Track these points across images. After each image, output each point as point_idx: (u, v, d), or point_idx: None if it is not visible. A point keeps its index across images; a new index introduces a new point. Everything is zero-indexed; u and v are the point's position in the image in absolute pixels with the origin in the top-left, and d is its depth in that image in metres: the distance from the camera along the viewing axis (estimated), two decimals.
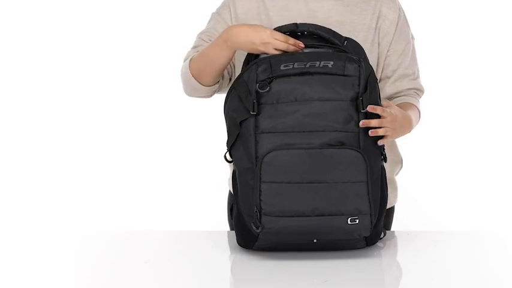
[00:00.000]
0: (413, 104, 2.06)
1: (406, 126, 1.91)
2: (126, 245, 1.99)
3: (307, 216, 1.74)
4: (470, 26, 3.87)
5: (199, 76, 2.03)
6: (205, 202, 3.44)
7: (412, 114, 1.98)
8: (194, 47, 2.11)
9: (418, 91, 2.12)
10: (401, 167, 2.18)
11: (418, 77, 2.13)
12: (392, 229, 2.18)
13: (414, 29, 2.15)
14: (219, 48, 1.94)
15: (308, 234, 1.78)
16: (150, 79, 3.88)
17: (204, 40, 2.09)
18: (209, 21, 2.14)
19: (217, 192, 2.47)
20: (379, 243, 1.90)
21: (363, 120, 1.76)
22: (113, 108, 3.90)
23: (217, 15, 2.11)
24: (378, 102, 1.81)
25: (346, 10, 2.05)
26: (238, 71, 2.02)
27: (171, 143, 3.84)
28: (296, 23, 1.87)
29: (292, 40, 1.84)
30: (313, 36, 1.85)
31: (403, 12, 2.11)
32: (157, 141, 3.87)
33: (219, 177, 2.30)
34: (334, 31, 1.86)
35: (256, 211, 1.74)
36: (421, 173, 3.66)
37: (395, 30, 2.08)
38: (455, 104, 3.85)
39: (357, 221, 1.75)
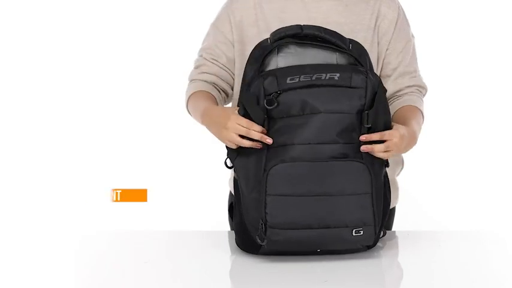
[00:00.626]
0: (416, 108, 2.04)
1: (412, 143, 1.90)
2: (126, 245, 1.99)
3: (312, 228, 1.74)
4: (470, 25, 3.86)
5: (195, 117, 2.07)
6: (205, 202, 3.44)
7: (416, 124, 1.95)
8: (196, 67, 2.11)
9: (421, 88, 2.10)
10: (403, 167, 2.17)
11: (419, 74, 2.12)
12: (393, 229, 2.18)
13: (414, 28, 2.15)
14: (200, 120, 1.96)
15: (312, 245, 1.78)
16: (150, 78, 3.88)
17: (205, 59, 2.09)
18: (208, 34, 2.12)
19: (217, 192, 2.47)
20: (380, 243, 1.90)
21: (364, 137, 1.75)
22: (113, 108, 3.90)
23: (215, 28, 2.10)
24: (386, 118, 1.79)
25: (345, 10, 2.04)
26: (238, 81, 2.02)
27: (171, 143, 3.84)
28: (301, 26, 1.83)
29: (257, 127, 1.75)
30: (317, 39, 1.82)
31: (403, 11, 2.11)
32: (157, 141, 3.87)
33: (220, 177, 2.30)
34: (340, 34, 1.83)
35: (262, 224, 1.74)
36: (422, 173, 3.65)
37: (395, 29, 2.07)
38: (456, 104, 3.85)
39: (361, 232, 1.75)
